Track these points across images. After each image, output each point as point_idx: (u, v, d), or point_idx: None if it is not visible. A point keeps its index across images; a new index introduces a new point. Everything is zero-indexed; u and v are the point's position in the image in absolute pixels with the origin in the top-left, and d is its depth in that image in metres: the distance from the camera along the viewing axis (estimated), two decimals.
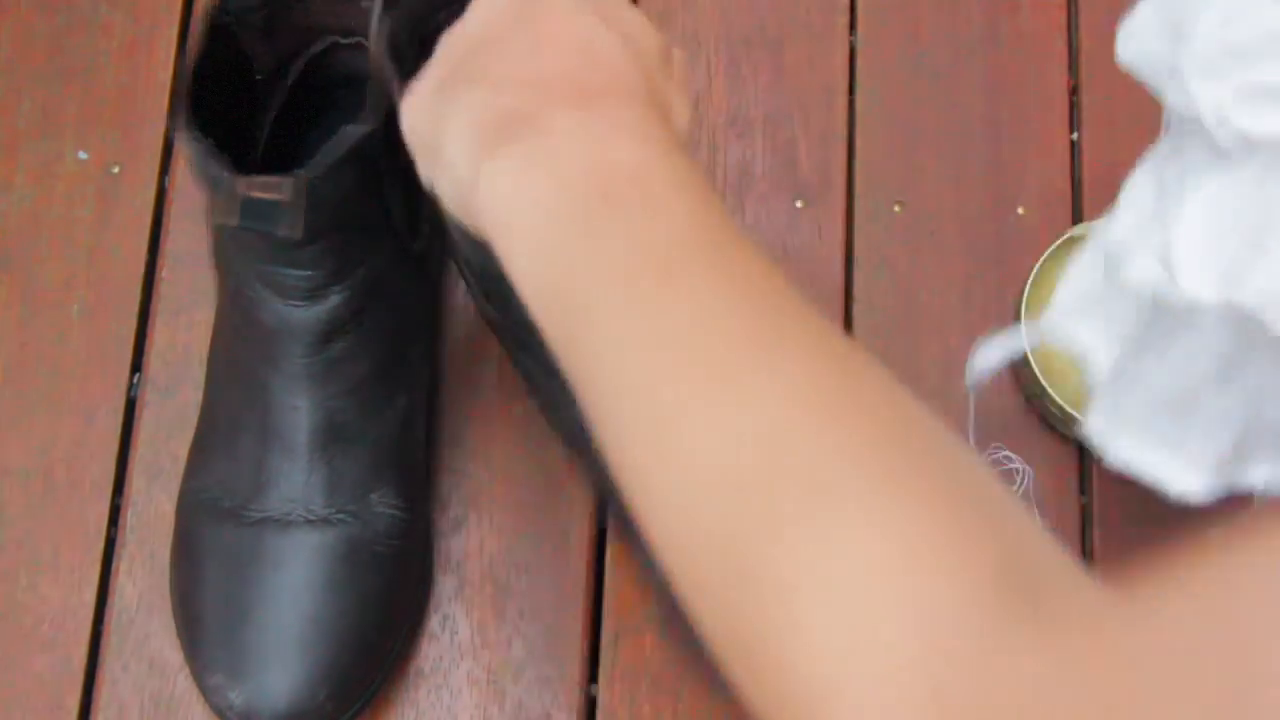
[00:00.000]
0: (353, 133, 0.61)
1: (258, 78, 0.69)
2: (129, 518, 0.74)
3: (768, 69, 0.82)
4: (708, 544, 0.40)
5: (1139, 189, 0.54)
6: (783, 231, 0.78)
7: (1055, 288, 0.61)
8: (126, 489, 0.74)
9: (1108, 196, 0.57)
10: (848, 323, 0.77)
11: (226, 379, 0.70)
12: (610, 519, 0.72)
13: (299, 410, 0.67)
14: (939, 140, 0.80)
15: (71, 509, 0.74)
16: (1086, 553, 0.72)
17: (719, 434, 0.40)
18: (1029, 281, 0.73)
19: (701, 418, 0.41)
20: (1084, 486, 0.73)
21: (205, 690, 0.67)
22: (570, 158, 0.46)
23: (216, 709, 0.67)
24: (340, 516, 0.67)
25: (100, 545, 0.74)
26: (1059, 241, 0.74)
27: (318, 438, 0.67)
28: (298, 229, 0.61)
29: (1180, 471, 0.56)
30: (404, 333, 0.70)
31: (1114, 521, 0.73)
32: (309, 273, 0.65)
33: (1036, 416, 0.74)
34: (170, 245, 0.79)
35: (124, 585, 0.73)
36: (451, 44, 0.52)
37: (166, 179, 0.80)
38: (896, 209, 0.79)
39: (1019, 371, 0.74)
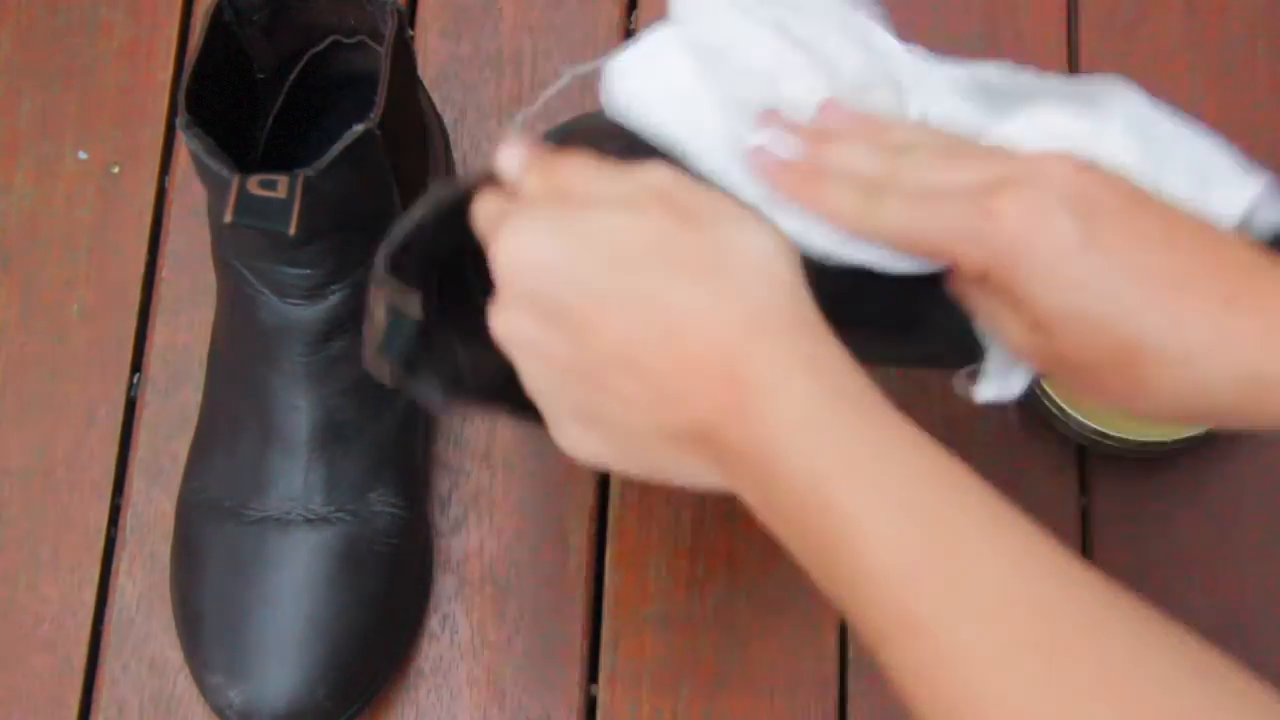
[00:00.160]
0: (353, 132, 0.62)
1: (259, 77, 0.69)
2: (129, 517, 0.74)
3: None
4: None
5: None
6: None
7: None
8: (126, 489, 0.74)
9: None
10: None
11: (226, 378, 0.70)
12: None
13: (299, 409, 0.67)
14: None
15: (71, 509, 0.74)
16: (1087, 553, 0.72)
17: None
18: None
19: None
20: (1084, 486, 0.73)
21: (205, 690, 0.67)
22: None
23: (216, 708, 0.67)
24: (340, 516, 0.67)
25: (100, 545, 0.73)
26: None
27: (317, 437, 0.67)
28: (297, 227, 0.61)
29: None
30: None
31: (1114, 521, 0.72)
32: (309, 271, 0.65)
33: (1036, 416, 0.74)
34: (170, 245, 0.79)
35: (124, 585, 0.73)
36: (582, 358, 0.47)
37: (166, 179, 0.80)
38: None
39: None
